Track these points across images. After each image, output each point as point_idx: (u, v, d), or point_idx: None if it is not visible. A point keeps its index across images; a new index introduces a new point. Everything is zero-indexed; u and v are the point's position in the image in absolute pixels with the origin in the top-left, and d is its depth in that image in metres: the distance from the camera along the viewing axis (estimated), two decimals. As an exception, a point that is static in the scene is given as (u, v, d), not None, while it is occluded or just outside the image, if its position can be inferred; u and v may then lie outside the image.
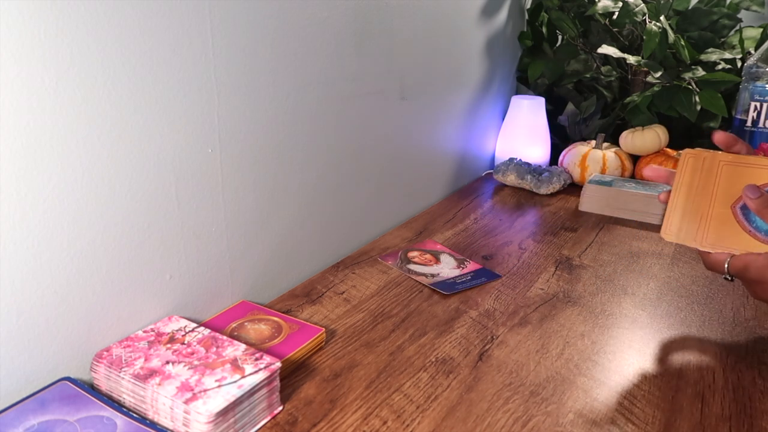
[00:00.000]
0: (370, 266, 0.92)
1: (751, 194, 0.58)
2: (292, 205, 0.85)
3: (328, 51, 0.85)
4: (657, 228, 1.12)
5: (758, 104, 1.11)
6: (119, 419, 0.53)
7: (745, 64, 1.15)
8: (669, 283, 0.89)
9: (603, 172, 1.31)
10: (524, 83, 1.55)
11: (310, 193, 0.88)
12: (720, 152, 0.63)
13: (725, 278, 0.62)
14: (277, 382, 0.58)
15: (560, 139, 1.51)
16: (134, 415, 0.54)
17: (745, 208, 0.60)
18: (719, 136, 0.64)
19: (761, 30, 1.30)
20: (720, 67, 1.28)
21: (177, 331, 0.64)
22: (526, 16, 1.52)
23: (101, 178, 0.58)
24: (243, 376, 0.56)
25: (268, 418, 0.58)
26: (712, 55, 1.26)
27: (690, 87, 1.25)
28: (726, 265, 0.60)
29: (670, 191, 0.64)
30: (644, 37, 1.24)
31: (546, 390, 0.63)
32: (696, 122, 1.28)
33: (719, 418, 0.60)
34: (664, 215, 0.64)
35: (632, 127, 1.34)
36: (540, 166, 1.36)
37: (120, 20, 0.56)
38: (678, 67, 1.29)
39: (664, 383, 0.65)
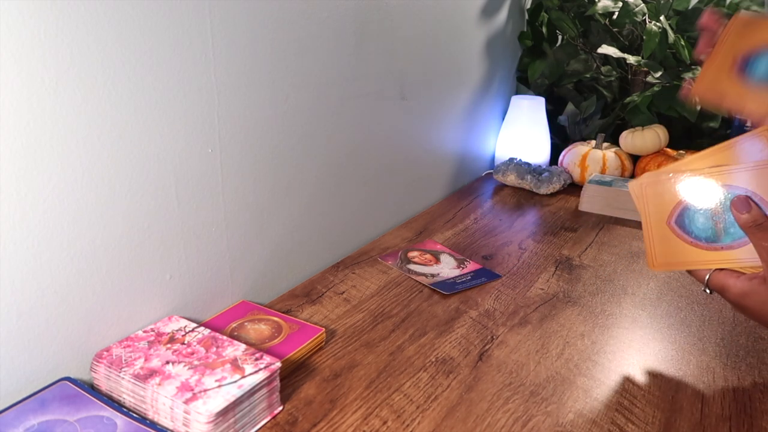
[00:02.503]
0: (370, 266, 0.92)
1: (739, 208, 0.54)
2: (292, 205, 0.85)
3: (328, 51, 0.85)
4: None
5: (758, 104, 1.11)
6: (119, 419, 0.53)
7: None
8: (669, 283, 0.89)
9: (603, 172, 1.31)
10: (524, 83, 1.55)
11: (310, 192, 0.88)
12: (645, 174, 0.61)
13: (704, 290, 0.60)
14: (277, 382, 0.58)
15: (560, 139, 1.51)
16: (134, 415, 0.54)
17: (679, 221, 0.60)
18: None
19: (761, 30, 1.29)
20: (720, 67, 1.28)
21: (177, 331, 0.64)
22: (526, 16, 1.52)
23: (101, 178, 0.58)
24: (243, 376, 0.56)
25: (268, 418, 0.58)
26: (712, 55, 1.26)
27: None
28: (706, 279, 0.59)
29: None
30: (644, 37, 1.24)
31: (546, 390, 0.63)
32: (696, 122, 1.28)
33: (719, 418, 0.60)
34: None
35: (632, 127, 1.34)
36: (540, 166, 1.36)
37: (120, 20, 0.56)
38: (678, 67, 1.29)
39: (664, 383, 0.65)
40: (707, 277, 0.58)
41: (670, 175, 0.59)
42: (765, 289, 0.54)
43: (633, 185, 0.61)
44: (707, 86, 0.61)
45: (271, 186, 0.80)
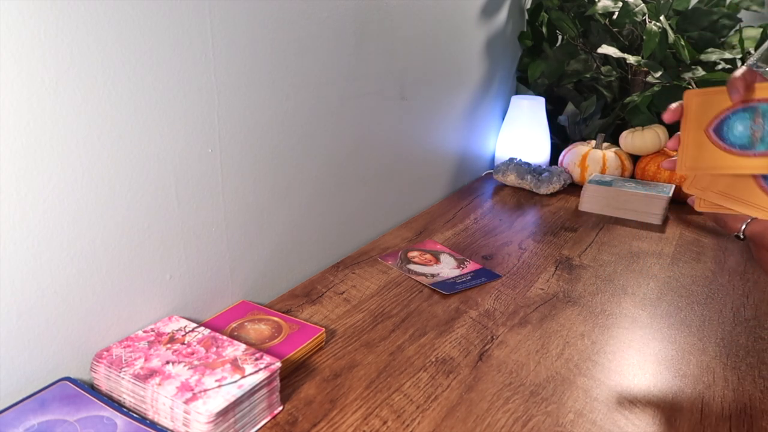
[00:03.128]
0: (370, 266, 0.92)
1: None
2: (292, 205, 0.85)
3: (328, 51, 0.85)
4: (657, 228, 1.12)
5: (758, 104, 1.11)
6: (119, 419, 0.53)
7: (745, 64, 1.15)
8: (669, 283, 0.89)
9: (603, 172, 1.31)
10: (524, 83, 1.55)
11: (310, 192, 0.88)
12: (705, 89, 0.63)
13: (736, 236, 0.61)
14: (277, 382, 0.58)
15: (560, 139, 1.51)
16: (134, 415, 0.54)
17: (717, 129, 0.61)
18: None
19: (761, 30, 1.30)
20: (720, 67, 1.28)
21: (177, 331, 0.64)
22: (526, 16, 1.52)
23: (101, 178, 0.58)
24: (243, 376, 0.56)
25: (268, 418, 0.58)
26: (712, 55, 1.26)
27: (690, 87, 1.25)
28: (743, 226, 0.60)
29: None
30: (644, 37, 1.24)
31: (546, 390, 0.63)
32: (696, 122, 1.28)
33: (719, 418, 0.60)
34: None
35: (632, 127, 1.34)
36: (540, 166, 1.36)
37: (120, 20, 0.56)
38: (678, 67, 1.29)
39: (664, 383, 0.65)
40: (743, 225, 0.60)
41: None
42: None
43: (687, 94, 0.63)
44: (691, 164, 0.63)
45: (271, 186, 0.80)
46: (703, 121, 0.62)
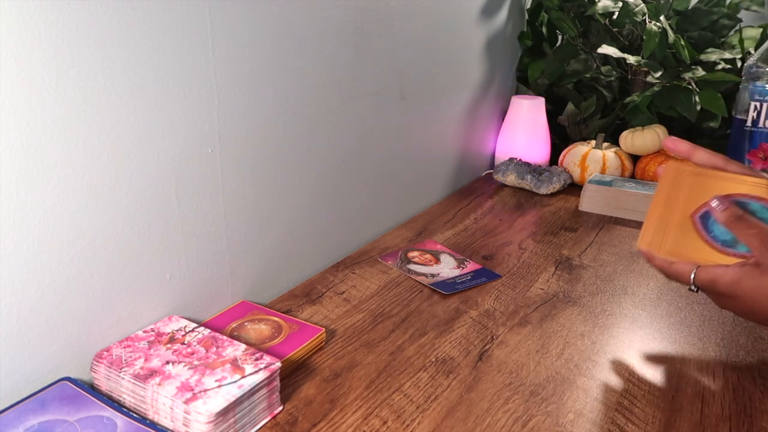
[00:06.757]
0: (370, 266, 0.92)
1: (718, 205, 0.57)
2: (292, 205, 0.85)
3: (328, 51, 0.85)
4: (657, 228, 1.12)
5: (758, 104, 1.12)
6: (119, 419, 0.53)
7: (745, 64, 1.15)
8: (669, 282, 0.89)
9: (603, 172, 1.31)
10: (524, 83, 1.55)
11: (310, 192, 0.88)
12: (690, 164, 0.62)
13: (690, 289, 0.60)
14: (277, 382, 0.58)
15: (560, 139, 1.51)
16: (134, 415, 0.54)
17: (704, 217, 0.60)
18: (674, 145, 0.62)
19: (761, 30, 1.30)
20: (720, 67, 1.28)
21: (177, 331, 0.64)
22: (526, 16, 1.52)
23: (101, 178, 0.58)
24: (243, 376, 0.56)
25: (268, 418, 0.58)
26: (712, 55, 1.26)
27: (690, 87, 1.25)
28: (692, 276, 0.59)
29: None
30: (644, 37, 1.24)
31: (546, 390, 0.63)
32: (696, 122, 1.28)
33: (719, 418, 0.60)
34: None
35: (632, 127, 1.34)
36: (540, 166, 1.36)
37: (120, 20, 0.56)
38: (678, 67, 1.29)
39: (664, 383, 0.65)
40: (692, 274, 0.58)
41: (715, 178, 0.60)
42: (759, 273, 0.54)
43: (672, 167, 0.61)
44: (671, 248, 0.61)
45: (271, 186, 0.80)
46: (692, 204, 0.61)
